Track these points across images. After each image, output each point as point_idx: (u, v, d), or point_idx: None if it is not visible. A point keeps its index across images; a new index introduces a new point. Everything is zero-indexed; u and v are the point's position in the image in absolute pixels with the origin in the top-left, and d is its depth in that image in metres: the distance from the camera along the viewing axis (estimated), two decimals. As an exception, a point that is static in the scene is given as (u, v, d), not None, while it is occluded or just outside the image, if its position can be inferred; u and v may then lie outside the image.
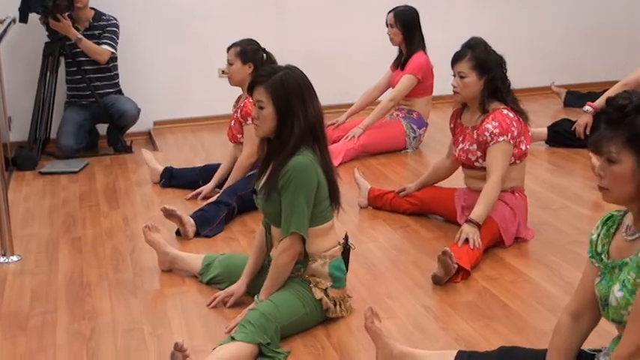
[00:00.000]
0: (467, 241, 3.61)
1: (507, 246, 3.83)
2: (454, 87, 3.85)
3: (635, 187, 2.08)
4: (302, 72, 3.09)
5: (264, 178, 3.11)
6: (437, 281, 3.49)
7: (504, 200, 3.84)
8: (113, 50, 5.85)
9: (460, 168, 4.09)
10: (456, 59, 3.84)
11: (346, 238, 3.26)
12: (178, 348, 2.70)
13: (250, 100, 4.38)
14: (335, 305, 3.15)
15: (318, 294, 3.09)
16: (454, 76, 3.85)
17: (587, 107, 5.30)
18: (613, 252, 2.21)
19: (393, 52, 5.66)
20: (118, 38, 5.89)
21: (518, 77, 3.96)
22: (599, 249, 2.25)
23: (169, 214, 4.12)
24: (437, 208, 4.25)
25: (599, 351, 2.34)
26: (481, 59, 3.78)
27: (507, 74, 3.85)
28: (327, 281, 3.13)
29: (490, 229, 3.75)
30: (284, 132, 3.03)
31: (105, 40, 5.83)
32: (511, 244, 3.85)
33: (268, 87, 3.02)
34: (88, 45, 5.74)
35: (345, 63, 6.65)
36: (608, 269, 2.20)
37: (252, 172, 4.46)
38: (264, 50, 4.54)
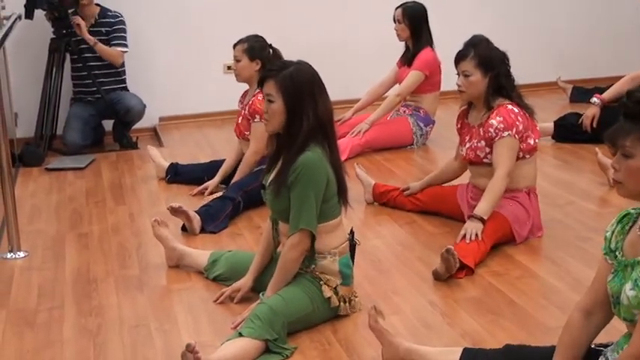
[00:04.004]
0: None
1: (517, 244, 3.83)
2: (459, 86, 3.84)
3: None
4: (313, 68, 3.09)
5: (273, 173, 3.11)
6: (437, 277, 3.48)
7: (519, 201, 3.82)
8: (126, 49, 5.87)
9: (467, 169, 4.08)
10: (460, 58, 3.82)
11: (352, 233, 3.26)
12: (190, 349, 2.67)
13: (259, 97, 4.43)
14: (344, 302, 3.15)
15: (327, 292, 3.09)
16: (458, 75, 3.84)
17: (594, 99, 5.29)
18: (627, 248, 2.20)
19: (395, 46, 5.65)
20: (126, 34, 5.90)
21: (523, 73, 3.94)
22: (612, 246, 2.24)
23: (176, 212, 4.12)
24: (440, 208, 4.22)
25: (606, 346, 2.34)
26: (485, 57, 3.76)
27: (511, 70, 3.84)
28: (336, 279, 3.12)
29: (501, 227, 3.74)
30: (293, 127, 3.02)
31: (116, 42, 5.83)
32: (521, 242, 3.85)
33: (278, 81, 3.02)
34: (103, 49, 5.77)
35: (346, 58, 6.63)
36: (621, 267, 2.19)
37: (258, 168, 4.47)
38: (270, 46, 4.54)
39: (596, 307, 2.28)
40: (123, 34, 5.88)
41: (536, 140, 3.85)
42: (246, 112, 4.59)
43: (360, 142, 5.43)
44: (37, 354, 3.05)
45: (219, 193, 4.49)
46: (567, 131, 5.47)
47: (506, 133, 3.73)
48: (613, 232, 2.25)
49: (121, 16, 5.91)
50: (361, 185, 4.51)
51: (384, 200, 4.44)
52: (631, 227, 2.22)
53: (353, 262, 3.24)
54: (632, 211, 2.24)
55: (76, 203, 4.78)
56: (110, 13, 5.90)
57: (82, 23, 5.71)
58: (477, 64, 3.76)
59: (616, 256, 2.22)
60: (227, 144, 5.41)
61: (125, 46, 5.87)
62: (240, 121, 4.69)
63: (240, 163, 4.60)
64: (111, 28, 5.85)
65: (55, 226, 4.40)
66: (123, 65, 5.98)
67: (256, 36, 4.59)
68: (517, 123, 3.74)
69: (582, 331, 2.29)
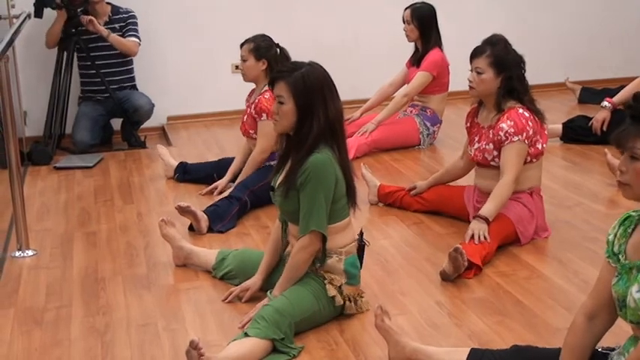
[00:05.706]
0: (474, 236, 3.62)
1: (523, 244, 3.82)
2: (470, 82, 3.84)
3: None
4: (324, 69, 3.08)
5: (282, 175, 3.11)
6: (445, 277, 3.48)
7: (522, 202, 3.82)
8: (139, 41, 5.90)
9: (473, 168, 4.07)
10: (475, 54, 3.82)
11: (361, 234, 3.25)
12: (194, 346, 2.69)
13: (265, 96, 4.44)
14: (349, 302, 3.15)
15: (332, 291, 3.08)
16: (471, 71, 3.84)
17: (605, 103, 5.28)
18: (630, 251, 2.19)
19: (404, 46, 5.64)
20: (138, 28, 5.92)
21: (531, 73, 3.94)
22: (615, 249, 2.23)
23: (184, 211, 4.12)
24: (447, 208, 4.22)
25: (613, 349, 2.33)
26: (500, 57, 3.76)
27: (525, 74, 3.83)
28: (341, 278, 3.12)
29: (505, 227, 3.73)
30: (303, 128, 3.02)
31: (130, 33, 5.88)
32: (527, 243, 3.84)
33: (290, 83, 3.01)
34: (117, 40, 5.79)
35: (355, 58, 6.63)
36: (625, 270, 2.18)
37: (265, 165, 4.48)
38: (277, 46, 4.54)
39: (600, 309, 2.27)
40: (135, 27, 5.91)
41: (544, 145, 3.84)
42: (252, 110, 4.59)
43: (366, 141, 5.43)
44: (44, 352, 3.06)
45: (226, 193, 4.49)
46: (575, 133, 5.46)
47: (516, 138, 3.72)
48: (615, 235, 2.25)
49: (133, 12, 5.94)
50: (366, 186, 4.50)
51: (389, 201, 4.44)
52: (633, 230, 2.21)
53: (362, 262, 3.24)
54: (634, 213, 2.23)
55: (85, 202, 4.79)
56: (122, 10, 5.93)
57: (94, 18, 5.72)
58: (490, 63, 3.76)
59: (619, 260, 2.21)
60: (235, 143, 5.41)
61: (138, 37, 5.90)
62: (245, 120, 4.70)
63: (246, 163, 4.60)
64: (124, 23, 5.89)
65: (63, 225, 4.42)
66: (132, 64, 6.00)
67: (263, 35, 4.58)
68: (527, 128, 3.73)
69: (586, 335, 2.29)
